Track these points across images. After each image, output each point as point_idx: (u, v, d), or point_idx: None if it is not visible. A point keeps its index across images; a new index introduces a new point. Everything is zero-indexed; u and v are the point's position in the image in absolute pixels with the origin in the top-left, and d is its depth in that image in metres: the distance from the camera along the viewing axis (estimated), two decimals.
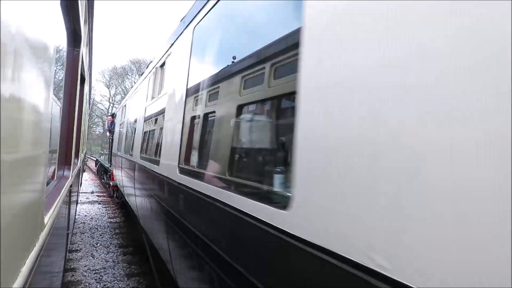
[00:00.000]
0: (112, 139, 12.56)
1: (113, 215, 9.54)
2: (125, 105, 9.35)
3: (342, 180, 0.97)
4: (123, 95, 50.12)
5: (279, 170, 1.52)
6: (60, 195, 2.04)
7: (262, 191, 1.60)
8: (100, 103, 53.75)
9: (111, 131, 12.91)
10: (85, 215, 9.27)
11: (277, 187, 1.47)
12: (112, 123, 12.90)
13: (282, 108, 1.76)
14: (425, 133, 0.76)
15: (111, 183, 10.73)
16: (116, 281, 4.94)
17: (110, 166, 11.82)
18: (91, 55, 5.64)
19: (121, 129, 9.44)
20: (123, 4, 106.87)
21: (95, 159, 24.58)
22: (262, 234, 1.37)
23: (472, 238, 0.66)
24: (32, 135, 0.94)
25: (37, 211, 1.14)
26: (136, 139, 5.79)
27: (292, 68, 1.37)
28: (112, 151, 11.67)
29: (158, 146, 3.92)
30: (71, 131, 2.88)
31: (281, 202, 1.31)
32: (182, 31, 3.19)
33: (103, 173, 16.23)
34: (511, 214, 0.60)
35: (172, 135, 3.14)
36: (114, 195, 11.32)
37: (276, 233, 1.26)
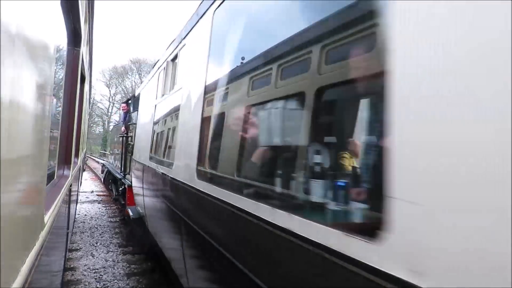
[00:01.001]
0: (128, 137, 8.76)
1: (113, 214, 9.54)
2: (174, 59, 3.89)
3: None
4: (123, 95, 50.04)
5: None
6: (60, 194, 2.04)
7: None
8: (100, 102, 53.86)
9: (126, 125, 9.12)
10: (85, 215, 9.27)
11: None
12: (127, 114, 9.11)
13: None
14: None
15: (129, 212, 5.98)
16: (116, 281, 4.95)
17: (124, 177, 8.09)
18: (92, 54, 5.64)
19: (156, 116, 4.77)
20: (124, 4, 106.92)
21: (101, 163, 19.07)
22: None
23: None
24: (32, 135, 0.94)
25: (37, 210, 1.14)
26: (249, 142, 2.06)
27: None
28: (133, 156, 6.69)
29: None
30: (71, 130, 2.88)
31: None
32: None
33: (111, 182, 11.53)
34: None
35: None
36: (131, 220, 6.13)
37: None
